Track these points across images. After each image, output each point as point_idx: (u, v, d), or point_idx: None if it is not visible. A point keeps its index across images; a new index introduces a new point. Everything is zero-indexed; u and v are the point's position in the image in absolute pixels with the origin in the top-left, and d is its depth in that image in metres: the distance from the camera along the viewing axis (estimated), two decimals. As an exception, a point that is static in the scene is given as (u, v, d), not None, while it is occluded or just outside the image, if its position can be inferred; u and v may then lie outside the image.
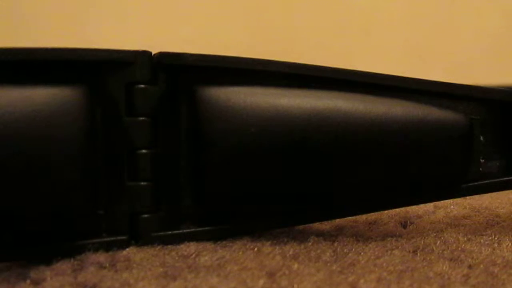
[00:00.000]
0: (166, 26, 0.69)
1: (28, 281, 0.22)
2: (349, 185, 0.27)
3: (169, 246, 0.25)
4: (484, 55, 0.71)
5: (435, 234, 0.27)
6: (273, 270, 0.22)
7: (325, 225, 0.29)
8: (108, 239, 0.25)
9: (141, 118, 0.25)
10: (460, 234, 0.27)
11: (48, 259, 0.23)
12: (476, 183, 0.28)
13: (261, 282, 0.21)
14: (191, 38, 0.67)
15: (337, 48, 0.70)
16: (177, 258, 0.24)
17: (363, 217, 0.31)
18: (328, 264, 0.24)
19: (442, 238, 0.27)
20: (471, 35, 0.71)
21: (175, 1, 0.70)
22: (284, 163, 0.25)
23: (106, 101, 0.25)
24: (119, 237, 0.25)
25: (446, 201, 0.32)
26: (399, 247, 0.26)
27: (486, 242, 0.26)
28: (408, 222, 0.30)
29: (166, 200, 0.26)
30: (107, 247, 0.24)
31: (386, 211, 0.31)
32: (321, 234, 0.27)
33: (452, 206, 0.34)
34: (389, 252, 0.25)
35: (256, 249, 0.25)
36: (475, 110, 0.28)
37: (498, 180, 0.28)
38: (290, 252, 0.25)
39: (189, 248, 0.25)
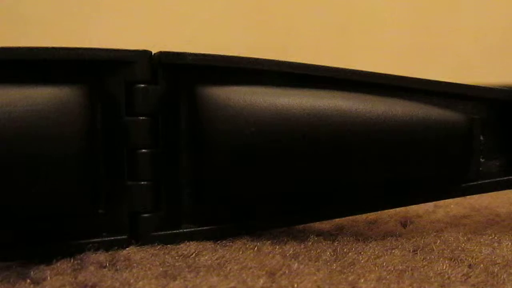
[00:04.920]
0: (166, 26, 0.69)
1: (28, 281, 0.22)
2: (349, 185, 0.27)
3: (169, 246, 0.25)
4: (484, 55, 0.71)
5: (435, 234, 0.27)
6: (273, 270, 0.22)
7: (325, 225, 0.29)
8: (108, 238, 0.25)
9: (141, 118, 0.25)
10: (460, 233, 0.27)
11: (48, 258, 0.23)
12: (476, 182, 0.28)
13: (261, 281, 0.21)
14: (191, 38, 0.67)
15: (337, 48, 0.70)
16: (177, 257, 0.24)
17: (363, 216, 0.31)
18: (328, 264, 0.24)
19: (442, 237, 0.27)
20: (471, 35, 0.71)
21: (176, 1, 0.70)
22: (284, 162, 0.25)
23: (106, 101, 0.25)
24: (119, 237, 0.25)
25: (446, 200, 0.32)
26: (399, 247, 0.26)
27: (486, 242, 0.26)
28: (408, 221, 0.30)
29: (166, 199, 0.26)
30: (107, 247, 0.24)
31: (386, 211, 0.31)
32: (321, 234, 0.27)
33: (452, 206, 0.34)
34: (389, 251, 0.25)
35: (256, 248, 0.25)
36: (475, 109, 0.28)
37: (498, 179, 0.28)
38: (290, 252, 0.25)
39: (189, 247, 0.25)
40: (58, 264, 0.23)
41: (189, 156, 0.26)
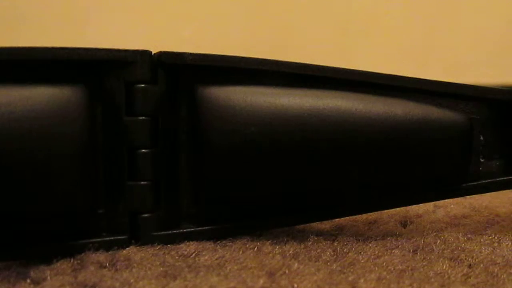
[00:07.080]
0: (166, 26, 0.69)
1: (28, 281, 0.22)
2: (349, 185, 0.27)
3: (169, 246, 0.25)
4: (484, 55, 0.71)
5: (435, 234, 0.27)
6: (273, 270, 0.22)
7: (325, 225, 0.29)
8: (108, 238, 0.25)
9: (141, 118, 0.25)
10: (460, 233, 0.27)
11: (48, 258, 0.23)
12: (476, 182, 0.28)
13: (261, 281, 0.21)
14: (191, 38, 0.67)
15: (337, 48, 0.70)
16: (177, 257, 0.24)
17: (363, 216, 0.31)
18: (328, 264, 0.24)
19: (442, 237, 0.27)
20: (471, 35, 0.71)
21: (176, 1, 0.70)
22: (284, 162, 0.25)
23: (106, 101, 0.25)
24: (119, 237, 0.25)
25: (446, 200, 0.32)
26: (399, 247, 0.26)
27: (486, 242, 0.26)
28: (408, 221, 0.30)
29: (166, 199, 0.26)
30: (107, 247, 0.24)
31: (386, 211, 0.31)
32: (321, 234, 0.27)
33: (452, 206, 0.34)
34: (389, 251, 0.25)
35: (256, 248, 0.25)
36: (475, 109, 0.28)
37: (498, 179, 0.28)
38: (290, 252, 0.25)
39: (189, 247, 0.25)
40: (58, 264, 0.23)
41: (189, 156, 0.26)
